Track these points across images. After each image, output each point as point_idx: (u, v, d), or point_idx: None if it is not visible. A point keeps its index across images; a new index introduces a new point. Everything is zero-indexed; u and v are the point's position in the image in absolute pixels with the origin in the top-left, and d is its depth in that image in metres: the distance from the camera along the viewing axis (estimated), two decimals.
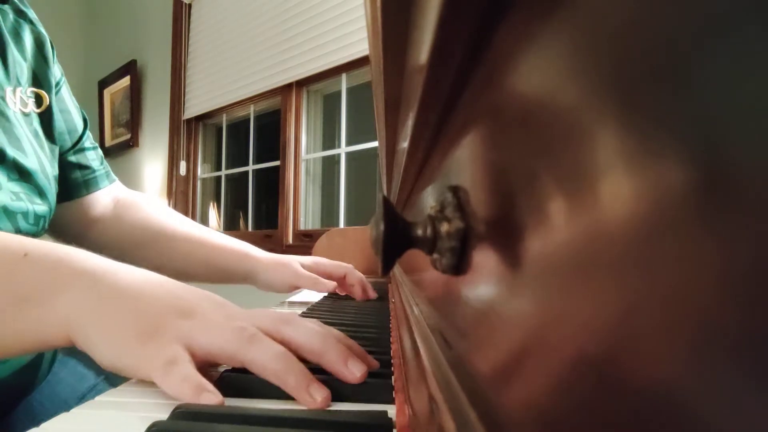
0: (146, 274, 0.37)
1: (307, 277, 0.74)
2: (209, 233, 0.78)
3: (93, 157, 0.74)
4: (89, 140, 0.74)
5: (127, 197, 0.79)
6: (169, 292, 0.35)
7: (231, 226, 2.70)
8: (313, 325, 0.35)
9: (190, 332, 0.32)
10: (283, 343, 0.33)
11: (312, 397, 0.30)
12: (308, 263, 0.78)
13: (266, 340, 0.32)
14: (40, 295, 0.33)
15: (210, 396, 0.29)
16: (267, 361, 0.31)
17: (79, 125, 0.72)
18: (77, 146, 0.71)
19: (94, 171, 0.74)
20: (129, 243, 0.75)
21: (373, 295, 0.80)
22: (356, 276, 0.80)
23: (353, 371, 0.32)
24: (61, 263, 0.35)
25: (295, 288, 0.75)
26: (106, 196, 0.76)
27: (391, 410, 0.29)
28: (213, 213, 2.72)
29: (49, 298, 0.33)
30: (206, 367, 0.33)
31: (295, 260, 0.77)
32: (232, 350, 0.31)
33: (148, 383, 0.33)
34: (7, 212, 0.54)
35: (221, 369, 0.35)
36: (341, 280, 0.79)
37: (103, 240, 0.75)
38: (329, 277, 0.78)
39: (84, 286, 0.34)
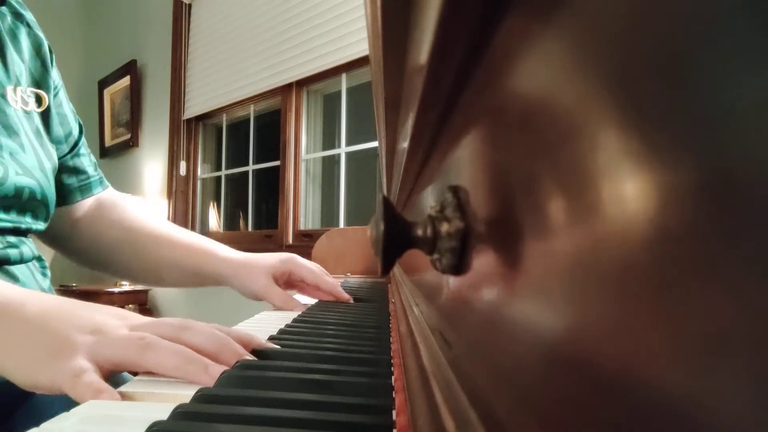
0: (55, 300, 0.39)
1: (277, 294, 0.68)
2: (181, 233, 0.75)
3: (88, 163, 0.74)
4: (85, 146, 0.74)
5: (109, 198, 0.77)
6: (74, 313, 0.38)
7: (231, 226, 2.70)
8: (211, 329, 0.38)
9: (95, 347, 0.35)
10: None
11: (212, 376, 0.33)
12: (276, 263, 0.71)
13: (162, 344, 0.35)
14: None
15: (106, 396, 0.32)
16: (164, 360, 0.34)
17: (76, 131, 0.72)
18: (74, 151, 0.71)
19: (89, 177, 0.74)
20: (104, 244, 0.74)
21: (346, 297, 0.74)
22: (328, 284, 0.73)
23: None
24: None
25: (261, 299, 0.70)
26: (91, 199, 0.75)
27: (392, 410, 0.29)
28: (213, 213, 2.72)
29: None
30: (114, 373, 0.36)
31: (267, 265, 0.70)
32: (133, 358, 0.35)
33: (147, 384, 0.33)
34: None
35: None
36: (312, 290, 0.75)
37: (82, 241, 0.74)
38: (302, 281, 0.74)
39: None
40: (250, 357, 0.37)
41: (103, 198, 0.76)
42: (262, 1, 2.20)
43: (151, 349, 0.34)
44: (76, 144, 0.72)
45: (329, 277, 0.76)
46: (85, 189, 0.73)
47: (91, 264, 0.77)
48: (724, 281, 0.06)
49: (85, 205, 0.74)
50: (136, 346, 0.35)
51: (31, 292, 0.40)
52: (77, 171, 0.72)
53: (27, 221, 0.60)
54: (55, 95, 0.68)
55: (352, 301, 0.74)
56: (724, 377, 0.06)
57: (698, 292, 0.07)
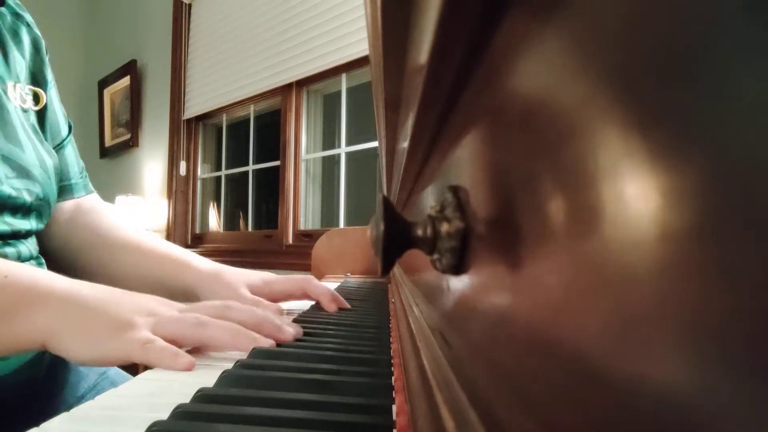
0: (106, 288, 0.44)
1: (249, 300, 0.61)
2: (154, 243, 0.71)
3: (72, 164, 0.72)
4: (71, 146, 0.73)
5: (88, 204, 0.74)
6: (129, 299, 0.43)
7: (231, 226, 2.70)
8: (250, 308, 0.44)
9: (155, 326, 0.40)
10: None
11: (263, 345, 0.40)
12: (257, 282, 0.65)
13: (214, 321, 0.41)
14: (20, 310, 0.40)
15: (184, 359, 0.37)
16: (219, 334, 0.40)
17: (63, 129, 0.71)
18: (56, 148, 0.69)
19: (70, 179, 0.72)
20: (74, 248, 0.71)
21: (345, 304, 0.67)
22: (318, 290, 0.66)
23: (285, 334, 0.43)
24: (35, 284, 0.42)
25: None
26: (71, 203, 0.73)
27: (392, 410, 0.29)
28: (213, 213, 2.72)
29: (27, 313, 0.40)
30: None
31: (242, 278, 0.65)
32: (191, 334, 0.40)
33: (147, 384, 0.33)
34: (6, 207, 0.54)
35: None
36: (304, 297, 0.67)
37: (53, 244, 0.71)
38: (287, 297, 0.67)
39: (57, 303, 0.41)
40: (288, 328, 0.44)
41: (83, 203, 0.74)
42: (262, 1, 2.20)
43: (206, 326, 0.40)
44: (61, 142, 0.70)
45: (317, 285, 0.68)
46: (65, 191, 0.71)
47: (60, 269, 0.72)
48: (726, 281, 0.06)
49: (62, 208, 0.71)
50: (192, 324, 0.40)
51: (82, 282, 0.44)
52: (59, 171, 0.69)
53: (31, 222, 0.59)
54: (48, 90, 0.68)
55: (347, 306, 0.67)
56: (728, 380, 0.06)
57: (700, 292, 0.07)
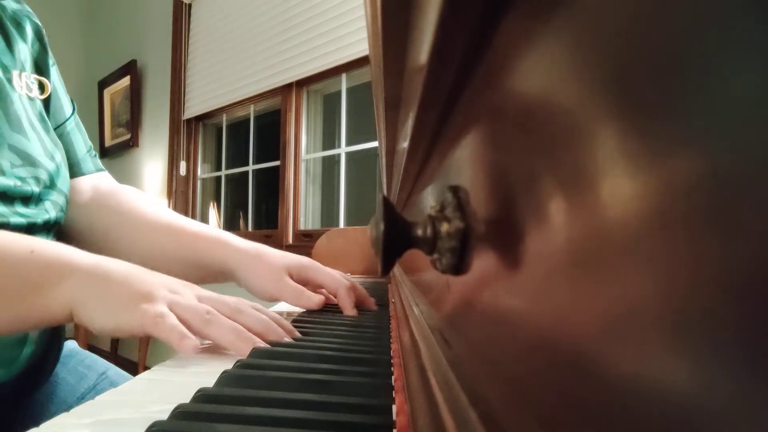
0: (129, 264, 0.45)
1: (292, 289, 0.61)
2: (185, 221, 0.68)
3: (78, 141, 0.70)
4: (75, 126, 0.70)
5: (108, 186, 0.72)
6: (151, 274, 0.45)
7: (231, 226, 2.70)
8: (259, 314, 0.46)
9: (173, 302, 0.42)
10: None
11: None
12: (294, 266, 0.64)
13: (222, 320, 0.42)
14: (47, 282, 0.42)
15: (190, 341, 0.38)
16: (223, 334, 0.41)
17: (67, 109, 0.69)
18: (59, 128, 0.68)
19: (76, 157, 0.69)
20: (101, 230, 0.68)
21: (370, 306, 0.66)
22: (348, 298, 0.64)
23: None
24: (60, 258, 0.44)
25: (275, 300, 0.63)
26: (86, 184, 0.70)
27: (392, 410, 0.29)
28: (213, 213, 2.72)
29: (55, 285, 0.42)
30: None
31: (284, 261, 0.63)
32: (199, 326, 0.41)
33: (147, 384, 0.33)
34: (10, 198, 0.53)
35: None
36: (334, 294, 0.66)
37: (75, 227, 0.68)
38: (320, 287, 0.66)
39: (82, 275, 0.43)
40: (288, 338, 0.45)
41: (100, 185, 0.72)
42: (262, 1, 2.20)
43: (214, 324, 0.42)
44: (63, 123, 0.68)
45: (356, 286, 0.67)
46: (72, 170, 0.68)
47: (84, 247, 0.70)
48: (725, 280, 0.06)
49: (79, 190, 0.69)
50: (202, 318, 0.42)
51: (105, 258, 0.46)
52: (64, 149, 0.66)
53: (50, 213, 0.58)
54: (50, 75, 0.67)
55: (375, 308, 0.66)
56: (728, 379, 0.06)
57: (700, 291, 0.07)
